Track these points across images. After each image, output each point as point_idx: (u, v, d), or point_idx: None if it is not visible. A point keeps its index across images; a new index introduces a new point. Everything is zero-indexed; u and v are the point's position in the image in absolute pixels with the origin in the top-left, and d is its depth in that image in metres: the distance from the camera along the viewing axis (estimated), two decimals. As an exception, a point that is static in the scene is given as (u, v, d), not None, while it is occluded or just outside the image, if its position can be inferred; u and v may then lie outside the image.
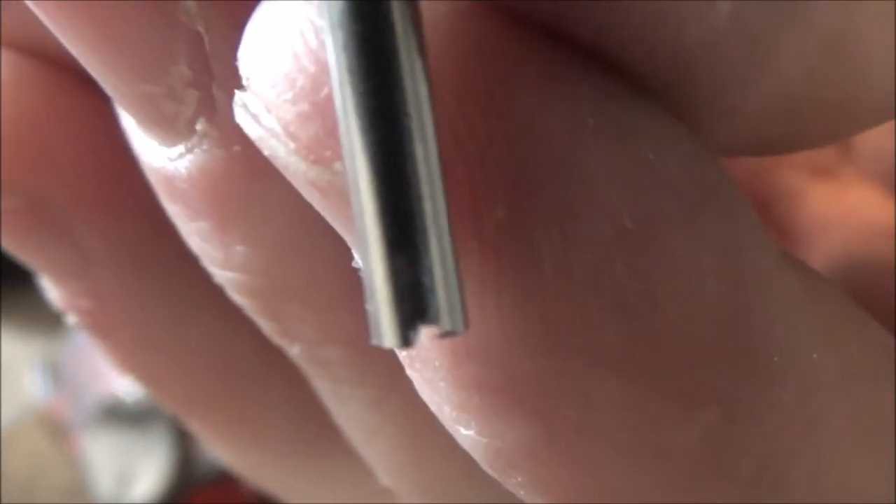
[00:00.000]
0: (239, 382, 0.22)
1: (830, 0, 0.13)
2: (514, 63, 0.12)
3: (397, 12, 0.11)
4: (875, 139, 0.23)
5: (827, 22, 0.13)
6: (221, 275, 0.17)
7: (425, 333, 0.11)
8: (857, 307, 0.15)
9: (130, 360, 0.22)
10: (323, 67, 0.12)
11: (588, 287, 0.12)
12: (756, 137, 0.15)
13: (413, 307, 0.11)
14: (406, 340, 0.11)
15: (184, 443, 0.63)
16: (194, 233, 0.17)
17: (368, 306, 0.12)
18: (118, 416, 0.67)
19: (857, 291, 0.19)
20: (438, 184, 0.11)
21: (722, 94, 0.13)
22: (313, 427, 0.22)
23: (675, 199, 0.13)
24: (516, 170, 0.12)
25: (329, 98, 0.12)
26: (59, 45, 0.15)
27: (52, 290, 0.21)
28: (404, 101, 0.11)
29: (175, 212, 0.17)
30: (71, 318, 0.22)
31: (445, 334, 0.12)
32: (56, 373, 0.71)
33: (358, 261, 0.14)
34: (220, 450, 0.24)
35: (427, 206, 0.11)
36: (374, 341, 0.12)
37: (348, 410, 0.19)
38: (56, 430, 0.70)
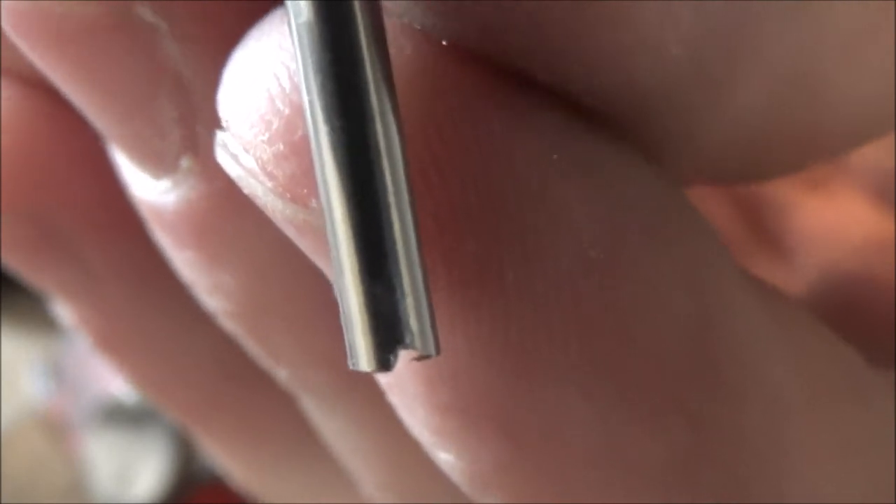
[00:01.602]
0: (240, 391, 0.23)
1: (787, 37, 0.13)
2: (479, 101, 0.13)
3: (367, 54, 0.12)
4: (866, 150, 0.23)
5: (785, 57, 0.13)
6: (209, 301, 0.18)
7: (400, 357, 0.12)
8: (824, 329, 0.16)
9: (139, 374, 0.23)
10: (297, 109, 0.13)
11: (550, 308, 0.13)
12: (719, 169, 0.15)
13: (387, 333, 0.12)
14: (382, 364, 0.12)
15: (183, 443, 0.64)
16: (182, 261, 0.17)
17: (345, 333, 0.12)
18: (118, 416, 0.67)
19: (848, 303, 0.19)
20: (409, 217, 0.12)
21: (681, 130, 0.14)
22: (310, 435, 0.22)
23: (638, 225, 0.13)
24: (483, 203, 0.13)
25: (304, 138, 0.12)
26: None
27: (62, 311, 0.22)
28: (376, 139, 0.12)
29: (164, 241, 0.17)
30: (83, 337, 0.22)
31: (420, 358, 0.12)
32: (56, 373, 0.71)
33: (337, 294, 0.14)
34: (221, 457, 0.25)
35: (398, 238, 0.12)
36: (352, 366, 0.12)
37: (333, 427, 0.20)
38: (56, 430, 0.70)
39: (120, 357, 0.22)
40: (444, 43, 0.13)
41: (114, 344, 0.22)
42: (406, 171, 0.12)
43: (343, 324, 0.12)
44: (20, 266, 0.20)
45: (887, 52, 0.14)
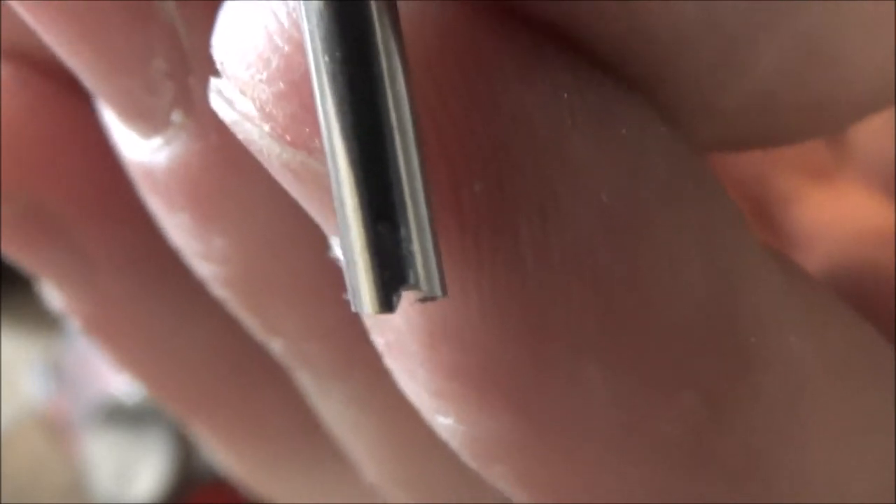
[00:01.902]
0: (238, 383, 0.22)
1: (809, 4, 0.13)
2: (492, 49, 0.13)
3: None
4: (872, 142, 0.23)
5: (805, 26, 0.13)
6: (202, 267, 0.17)
7: (404, 299, 0.12)
8: (845, 306, 0.16)
9: (133, 363, 0.22)
10: (297, 46, 0.12)
11: (568, 268, 0.13)
12: (733, 133, 0.15)
13: (391, 273, 0.12)
14: (385, 306, 0.12)
15: (183, 443, 0.63)
16: (174, 226, 0.17)
17: (347, 274, 0.12)
18: (118, 416, 0.67)
19: (853, 295, 0.19)
20: (414, 153, 0.12)
21: (698, 91, 0.14)
22: (309, 428, 0.22)
23: (654, 183, 0.13)
24: (494, 147, 0.12)
25: (305, 76, 0.12)
26: (51, 53, 0.16)
27: (54, 296, 0.21)
28: (379, 71, 0.11)
29: (155, 205, 0.17)
30: (73, 323, 0.22)
31: (424, 299, 0.12)
32: (56, 373, 0.71)
33: (334, 249, 0.14)
34: (219, 451, 0.24)
35: (404, 176, 0.11)
36: (355, 308, 0.12)
37: (331, 406, 0.19)
38: (56, 430, 0.70)
39: (110, 344, 0.22)
40: None
41: (104, 330, 0.21)
42: (412, 107, 0.12)
43: (345, 265, 0.12)
44: (13, 250, 0.20)
45: None
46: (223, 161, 0.16)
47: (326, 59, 0.11)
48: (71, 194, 0.20)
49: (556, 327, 0.13)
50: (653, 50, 0.13)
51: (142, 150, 0.16)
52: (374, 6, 0.11)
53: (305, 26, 0.11)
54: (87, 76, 0.16)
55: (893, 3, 0.13)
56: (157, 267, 0.20)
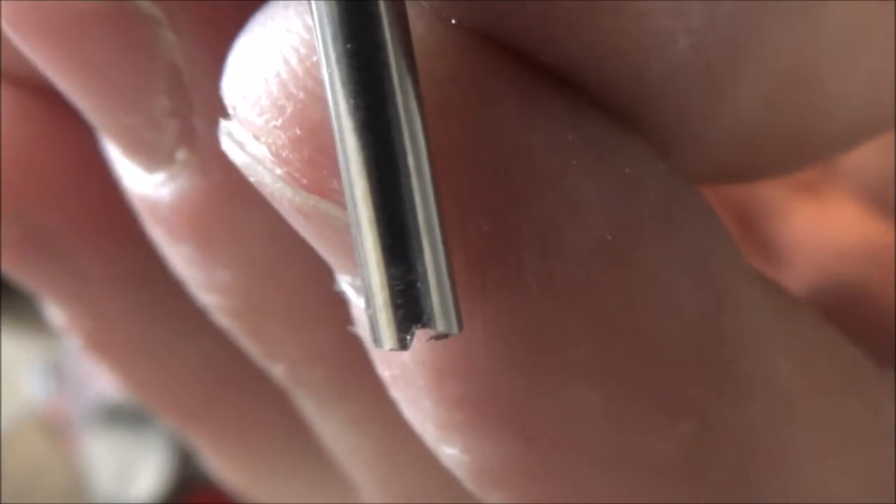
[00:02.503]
0: (233, 396, 0.22)
1: (787, 36, 0.13)
2: (495, 84, 0.13)
3: (389, 33, 0.12)
4: (859, 156, 0.23)
5: (784, 57, 0.13)
6: (205, 297, 0.18)
7: (418, 336, 0.12)
8: (826, 324, 0.16)
9: (130, 377, 0.22)
10: (311, 93, 0.12)
11: (569, 299, 0.13)
12: (718, 167, 0.15)
13: (409, 311, 0.12)
14: (403, 342, 0.12)
15: (183, 444, 0.64)
16: (177, 257, 0.17)
17: (367, 312, 0.12)
18: (118, 416, 0.67)
19: (840, 309, 0.19)
20: (431, 193, 0.12)
21: (684, 124, 0.14)
22: (302, 440, 0.22)
23: (652, 215, 0.13)
24: (499, 184, 0.13)
25: (321, 121, 0.12)
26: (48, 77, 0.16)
27: (53, 312, 0.22)
28: (397, 116, 0.12)
29: (158, 236, 0.17)
30: (72, 338, 0.22)
31: (440, 336, 0.12)
32: (56, 373, 0.71)
33: (340, 284, 0.14)
34: (214, 461, 0.25)
35: (420, 215, 0.12)
36: (374, 345, 0.12)
37: (331, 429, 0.20)
38: (56, 430, 0.70)
39: (110, 360, 0.22)
40: (453, 22, 0.13)
41: (104, 346, 0.22)
42: (428, 148, 0.12)
43: (364, 303, 0.12)
44: (13, 270, 0.20)
45: (880, 57, 0.14)
46: (227, 197, 0.16)
47: (347, 105, 0.12)
48: (69, 216, 0.20)
49: (557, 356, 0.13)
50: (644, 87, 0.13)
51: (145, 183, 0.16)
52: (392, 52, 0.12)
53: (325, 73, 0.12)
54: (89, 112, 0.16)
55: (864, 31, 0.13)
56: (153, 285, 0.20)
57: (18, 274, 0.20)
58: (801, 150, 0.15)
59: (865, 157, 0.23)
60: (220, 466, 0.25)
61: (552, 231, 0.13)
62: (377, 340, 0.12)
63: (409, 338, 0.12)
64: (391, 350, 0.12)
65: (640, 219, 0.13)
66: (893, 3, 0.13)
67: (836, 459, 0.15)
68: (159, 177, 0.16)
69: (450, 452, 0.14)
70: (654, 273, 0.13)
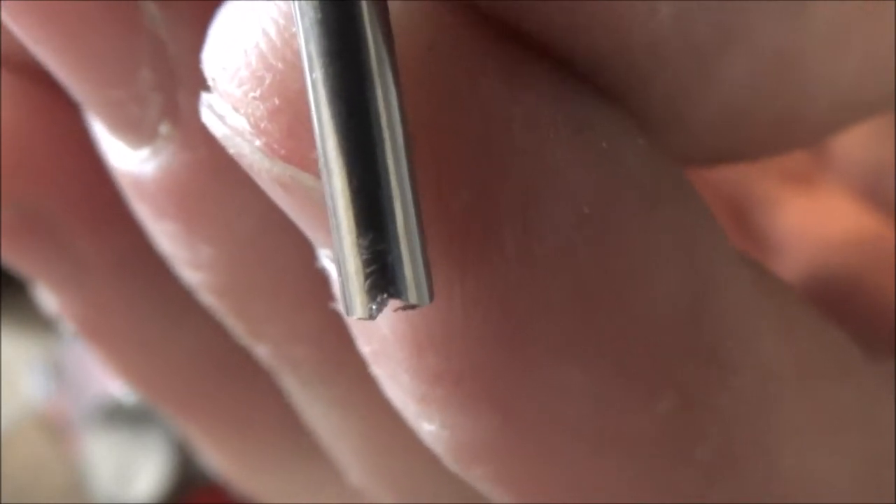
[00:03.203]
0: (229, 384, 0.22)
1: (774, 19, 0.13)
2: (475, 54, 0.13)
3: (365, 2, 0.12)
4: (852, 147, 0.23)
5: (770, 37, 0.13)
6: (189, 275, 0.18)
7: (391, 306, 0.12)
8: (814, 310, 0.16)
9: (126, 364, 0.22)
10: (289, 64, 0.12)
11: (549, 273, 0.13)
12: (705, 149, 0.15)
13: (379, 279, 0.12)
14: (374, 311, 0.12)
15: (183, 444, 0.64)
16: (162, 234, 0.17)
17: (339, 280, 0.12)
18: (118, 416, 0.67)
19: (832, 300, 0.19)
20: (404, 162, 0.12)
21: (671, 104, 0.14)
22: (298, 429, 0.22)
23: (632, 190, 0.13)
24: (479, 157, 0.13)
25: (299, 91, 0.12)
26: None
27: (48, 298, 0.22)
28: (372, 84, 0.12)
29: (143, 213, 0.17)
30: (68, 325, 0.22)
31: (412, 306, 0.12)
32: (56, 373, 0.71)
33: (321, 260, 0.14)
34: (209, 451, 0.25)
35: (393, 183, 0.12)
36: (345, 313, 0.12)
37: (316, 409, 0.20)
38: (55, 430, 0.70)
39: (104, 346, 0.22)
40: None
41: (98, 333, 0.22)
42: (403, 119, 0.12)
43: (336, 271, 0.12)
44: (7, 253, 0.20)
45: (869, 38, 0.14)
46: (211, 172, 0.16)
47: (322, 74, 0.12)
48: (65, 200, 0.20)
49: (537, 331, 0.13)
50: (628, 61, 0.13)
51: (130, 160, 0.16)
52: (367, 21, 0.12)
53: (302, 42, 0.12)
54: (74, 87, 0.16)
55: (854, 12, 0.13)
56: (149, 271, 0.20)
57: (14, 258, 0.20)
58: (789, 133, 0.15)
59: (857, 149, 0.23)
60: (214, 456, 0.25)
61: (532, 203, 0.13)
62: (348, 309, 0.12)
63: (377, 307, 0.12)
64: (361, 319, 0.12)
65: (619, 194, 0.13)
66: None
67: (821, 442, 0.15)
68: (144, 152, 0.16)
69: (429, 429, 0.14)
70: (635, 248, 0.13)
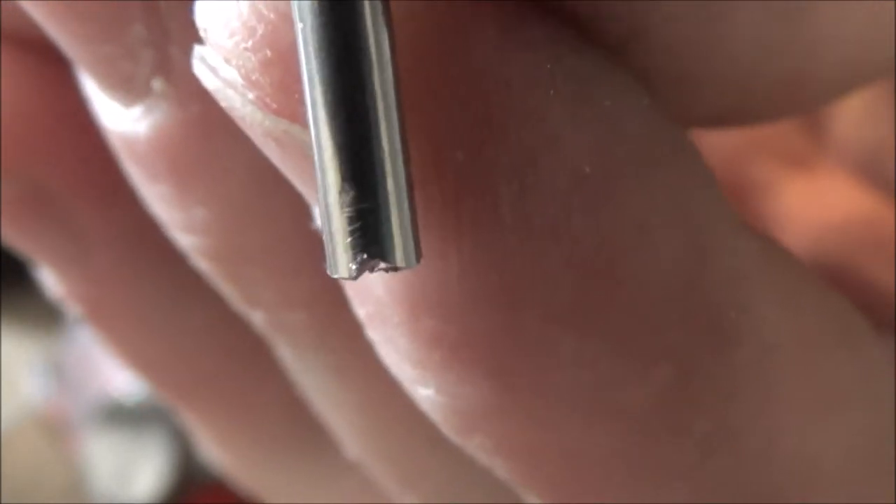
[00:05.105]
0: (234, 367, 0.22)
1: None
2: (471, 12, 0.13)
3: None
4: (852, 129, 0.23)
5: None
6: (183, 239, 0.17)
7: (379, 269, 0.12)
8: (820, 281, 0.16)
9: (129, 348, 0.22)
10: (281, 14, 0.12)
11: (546, 237, 0.13)
12: (710, 108, 0.15)
13: (364, 238, 0.12)
14: (358, 271, 0.12)
15: (183, 443, 0.63)
16: (155, 196, 0.17)
17: (325, 239, 0.12)
18: (118, 416, 0.67)
19: (829, 281, 0.19)
20: (395, 121, 0.12)
21: (675, 59, 0.14)
22: (303, 418, 0.22)
23: (632, 152, 0.13)
24: (475, 115, 0.13)
25: (291, 43, 0.12)
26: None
27: (50, 281, 0.21)
28: (365, 37, 0.11)
29: (136, 175, 0.17)
30: (70, 308, 0.22)
31: (397, 268, 0.12)
32: (56, 373, 0.71)
33: (315, 220, 0.14)
34: (212, 443, 0.25)
35: (383, 142, 0.12)
36: (330, 272, 0.12)
37: (311, 379, 0.19)
38: (55, 430, 0.70)
39: (109, 330, 0.22)
40: None
41: (104, 316, 0.21)
42: (395, 75, 0.12)
43: (322, 229, 0.12)
44: (11, 232, 0.20)
45: None
46: (204, 130, 0.16)
47: (312, 24, 0.11)
48: (69, 176, 0.20)
49: (533, 295, 0.13)
50: (632, 15, 0.13)
51: (123, 119, 0.16)
52: None
53: None
54: (65, 43, 0.16)
55: None
56: (154, 250, 0.20)
57: (17, 236, 0.20)
58: (794, 93, 0.15)
59: (855, 129, 0.23)
60: (215, 447, 0.25)
61: (529, 164, 0.12)
62: (332, 267, 0.12)
63: (358, 267, 0.12)
64: (349, 278, 0.12)
65: (619, 155, 0.13)
66: None
67: (821, 414, 0.15)
68: (136, 111, 0.16)
69: (425, 394, 0.14)
70: (634, 212, 0.13)
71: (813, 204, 0.23)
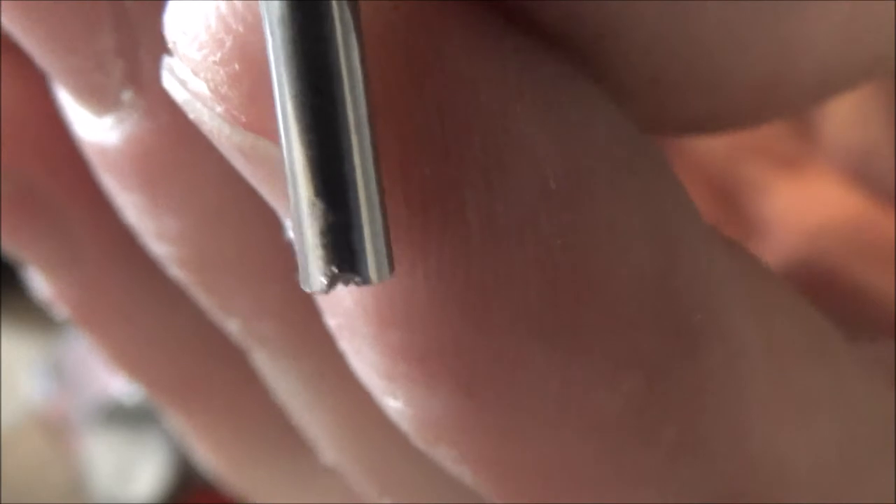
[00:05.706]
0: (223, 371, 0.22)
1: None
2: (439, 20, 0.13)
3: None
4: (841, 131, 0.23)
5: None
6: (156, 247, 0.17)
7: (352, 283, 0.12)
8: (793, 291, 0.16)
9: (118, 351, 0.22)
10: (250, 27, 0.12)
11: (512, 243, 0.13)
12: (685, 112, 0.15)
13: (336, 253, 0.12)
14: (330, 286, 0.12)
15: (183, 444, 0.63)
16: (128, 204, 0.17)
17: (297, 252, 0.12)
18: (118, 416, 0.67)
19: (818, 284, 0.19)
20: (367, 135, 0.12)
21: (647, 60, 0.14)
22: (288, 423, 0.22)
23: (599, 159, 0.13)
24: (442, 120, 0.12)
25: (260, 56, 0.12)
26: None
27: (40, 283, 0.22)
28: (334, 45, 0.11)
29: (109, 183, 0.17)
30: (58, 309, 0.22)
31: (369, 282, 0.12)
32: (56, 373, 0.71)
33: (287, 231, 0.14)
34: (202, 445, 0.25)
35: (355, 155, 0.11)
36: (303, 286, 0.12)
37: (287, 386, 0.19)
38: (55, 430, 0.70)
39: (98, 332, 0.22)
40: None
41: (92, 318, 0.21)
42: (366, 84, 0.12)
43: (294, 242, 0.12)
44: (2, 233, 0.20)
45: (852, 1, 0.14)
46: (175, 140, 0.16)
47: (282, 37, 0.11)
48: (61, 177, 0.20)
49: (500, 306, 0.13)
50: (602, 16, 0.13)
51: (95, 129, 0.16)
52: None
53: (264, 9, 0.11)
54: (37, 53, 0.16)
55: None
56: (142, 254, 0.20)
57: (9, 238, 0.20)
58: (770, 98, 0.15)
59: (845, 131, 0.23)
60: (205, 450, 0.25)
61: (495, 171, 0.12)
62: (304, 281, 0.12)
63: (330, 282, 0.12)
64: (321, 292, 0.12)
65: (586, 163, 0.13)
66: None
67: (791, 421, 0.15)
68: (108, 121, 0.16)
69: (394, 405, 0.14)
70: (603, 219, 0.13)
71: (803, 205, 0.23)
